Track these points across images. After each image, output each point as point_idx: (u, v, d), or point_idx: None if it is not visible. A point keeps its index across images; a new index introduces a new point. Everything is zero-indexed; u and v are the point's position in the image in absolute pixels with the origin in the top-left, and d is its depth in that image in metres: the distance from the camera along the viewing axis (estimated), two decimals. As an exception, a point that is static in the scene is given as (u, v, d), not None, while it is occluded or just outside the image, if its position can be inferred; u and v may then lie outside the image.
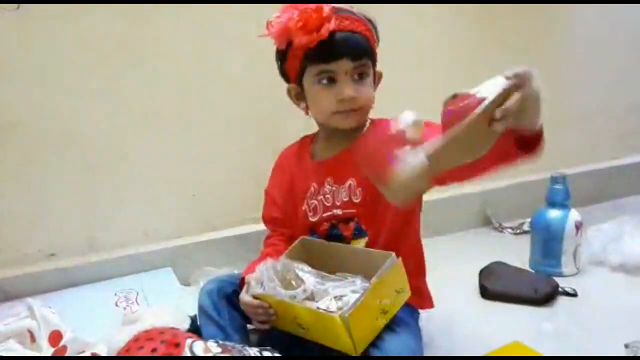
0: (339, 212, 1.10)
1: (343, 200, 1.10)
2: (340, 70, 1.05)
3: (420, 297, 1.14)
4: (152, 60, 1.35)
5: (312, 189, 1.13)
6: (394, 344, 0.97)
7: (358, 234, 1.09)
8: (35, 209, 1.33)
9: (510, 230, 1.66)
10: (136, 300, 1.30)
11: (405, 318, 1.05)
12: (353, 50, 1.04)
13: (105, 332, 1.10)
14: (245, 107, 1.43)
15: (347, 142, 1.11)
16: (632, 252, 1.41)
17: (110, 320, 1.17)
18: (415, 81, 1.48)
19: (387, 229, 1.08)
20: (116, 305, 1.29)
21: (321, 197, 1.12)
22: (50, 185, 1.33)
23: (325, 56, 1.04)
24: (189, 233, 1.45)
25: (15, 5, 1.22)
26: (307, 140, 1.19)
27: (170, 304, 1.23)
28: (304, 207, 1.14)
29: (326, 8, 1.03)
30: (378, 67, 1.11)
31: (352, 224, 1.10)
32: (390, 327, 1.01)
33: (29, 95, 1.28)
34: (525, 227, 1.63)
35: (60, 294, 1.32)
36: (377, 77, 1.12)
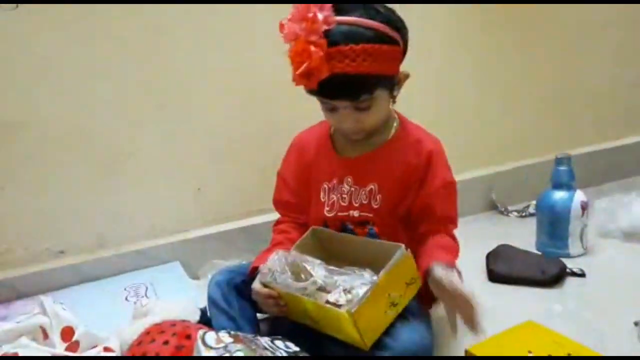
0: (355, 214, 1.09)
1: (362, 202, 1.09)
2: (340, 105, 1.03)
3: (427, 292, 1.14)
4: (156, 56, 1.35)
5: (332, 183, 1.12)
6: (407, 333, 0.98)
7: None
8: (43, 208, 1.33)
9: (515, 213, 1.66)
10: (146, 295, 1.31)
11: (418, 307, 1.06)
12: (349, 94, 1.00)
13: (117, 326, 1.12)
14: (249, 100, 1.43)
15: (373, 145, 1.10)
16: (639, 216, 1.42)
17: (121, 315, 1.19)
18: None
19: (401, 239, 1.04)
20: (126, 300, 1.30)
21: (339, 194, 1.11)
22: (58, 183, 1.33)
23: (322, 95, 1.02)
24: (195, 227, 1.45)
25: (13, 5, 1.22)
26: (327, 127, 1.16)
27: (180, 297, 1.24)
28: (323, 198, 1.13)
29: (319, 51, 0.94)
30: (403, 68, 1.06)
31: (367, 228, 1.09)
32: (403, 315, 1.01)
33: (35, 94, 1.28)
34: (531, 210, 1.63)
35: (71, 290, 1.33)
36: (400, 81, 1.06)
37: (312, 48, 0.95)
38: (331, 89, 0.99)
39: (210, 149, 1.44)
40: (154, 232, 1.43)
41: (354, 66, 0.96)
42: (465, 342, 1.08)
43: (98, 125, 1.35)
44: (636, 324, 1.07)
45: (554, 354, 0.99)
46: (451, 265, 1.02)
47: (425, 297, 1.12)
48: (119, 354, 1.03)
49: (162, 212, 1.43)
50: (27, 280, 1.32)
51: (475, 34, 1.61)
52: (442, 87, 1.59)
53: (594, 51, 1.74)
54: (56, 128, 1.31)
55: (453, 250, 1.09)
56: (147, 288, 1.33)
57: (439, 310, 1.17)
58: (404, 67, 1.07)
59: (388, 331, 0.98)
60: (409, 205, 1.10)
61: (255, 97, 1.43)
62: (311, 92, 1.01)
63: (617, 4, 1.69)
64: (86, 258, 1.38)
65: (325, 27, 0.96)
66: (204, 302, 1.14)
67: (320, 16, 0.95)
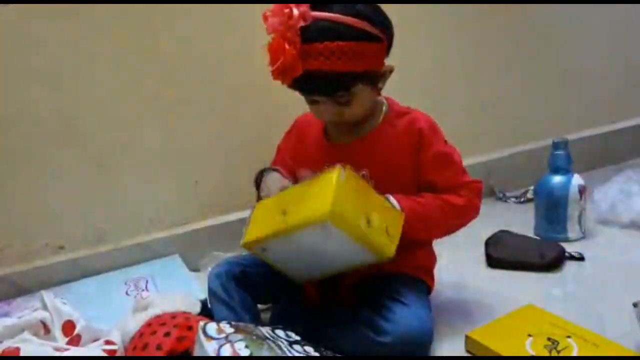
0: None
1: None
2: (319, 99, 1.03)
3: (430, 278, 1.16)
4: (150, 49, 1.34)
5: (322, 169, 1.12)
6: (407, 318, 0.99)
7: None
8: (41, 203, 1.33)
9: (514, 199, 1.66)
10: (146, 288, 1.31)
11: (415, 291, 1.07)
12: (324, 90, 1.01)
13: (118, 320, 1.12)
14: (247, 92, 1.43)
15: (362, 131, 1.10)
16: (640, 210, 1.42)
17: (122, 308, 1.19)
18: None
19: None
20: (127, 293, 1.30)
21: None
22: (56, 178, 1.33)
23: (299, 90, 1.03)
24: (194, 219, 1.45)
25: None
26: None
27: (181, 289, 1.24)
28: None
29: (293, 49, 0.95)
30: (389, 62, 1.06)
31: None
32: (400, 300, 1.02)
33: (32, 89, 1.27)
34: (529, 195, 1.63)
35: (71, 285, 1.33)
36: (384, 74, 1.06)
37: (287, 45, 0.95)
38: (306, 85, 1.00)
39: (207, 141, 1.44)
40: (153, 226, 1.43)
41: (328, 64, 0.95)
42: (465, 327, 1.10)
43: (95, 120, 1.34)
44: (635, 305, 1.07)
45: (554, 337, 1.00)
46: (407, 203, 1.02)
47: (424, 283, 1.13)
48: (121, 347, 1.03)
49: (161, 205, 1.43)
50: (27, 276, 1.32)
51: (467, 20, 1.61)
52: (436, 75, 1.59)
53: (586, 35, 1.74)
54: (53, 123, 1.31)
55: (433, 200, 1.06)
56: (147, 281, 1.33)
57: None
58: (393, 59, 1.06)
59: (388, 317, 0.99)
60: (410, 185, 1.09)
61: (252, 89, 1.43)
62: (291, 86, 1.02)
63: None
64: (86, 253, 1.37)
65: (302, 23, 0.95)
66: (204, 294, 1.14)
67: (296, 12, 0.95)
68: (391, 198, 1.02)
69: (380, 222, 0.96)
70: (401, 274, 1.08)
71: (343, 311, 1.06)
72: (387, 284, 1.06)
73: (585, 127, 1.76)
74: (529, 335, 1.01)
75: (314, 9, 0.97)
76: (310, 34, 0.95)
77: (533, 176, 1.53)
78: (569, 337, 1.00)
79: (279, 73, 0.98)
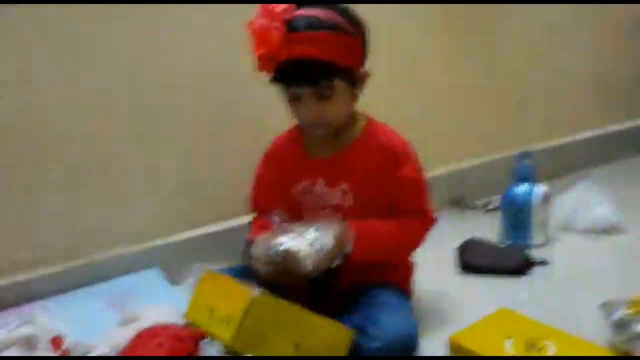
0: (329, 214, 1.12)
1: (335, 203, 1.13)
2: (301, 92, 1.06)
3: (410, 285, 1.21)
4: (129, 64, 1.35)
5: (304, 184, 1.15)
6: (393, 322, 1.03)
7: None
8: (19, 217, 1.31)
9: (480, 208, 1.73)
10: (127, 302, 1.30)
11: (399, 299, 1.12)
12: (307, 78, 1.04)
13: (103, 335, 1.12)
14: (224, 104, 1.45)
15: (341, 144, 1.14)
16: (599, 217, 1.52)
17: (104, 324, 1.19)
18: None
19: None
20: (107, 308, 1.29)
21: (312, 195, 1.15)
22: (33, 191, 1.32)
23: (284, 80, 1.07)
24: (173, 232, 1.46)
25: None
26: (298, 132, 1.19)
27: (163, 302, 1.24)
28: (294, 201, 1.16)
29: (278, 32, 1.00)
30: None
31: None
32: (386, 307, 1.06)
33: (8, 100, 1.26)
34: (494, 204, 1.70)
35: (50, 301, 1.31)
36: (361, 79, 1.10)
37: (273, 32, 1.00)
38: (290, 73, 1.04)
39: (187, 153, 1.45)
40: (132, 239, 1.42)
41: (312, 50, 1.01)
42: (444, 330, 1.15)
43: (72, 131, 1.34)
44: (602, 306, 1.15)
45: (532, 338, 1.05)
46: (359, 229, 1.06)
47: (406, 290, 1.18)
48: None
49: (139, 218, 1.43)
50: (3, 292, 1.30)
51: (440, 34, 1.67)
52: (407, 86, 1.64)
53: (549, 52, 1.83)
54: (27, 134, 1.30)
55: (389, 226, 1.11)
56: (128, 295, 1.32)
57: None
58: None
59: (375, 321, 1.03)
60: (381, 203, 1.14)
61: (230, 101, 1.45)
62: (274, 79, 1.06)
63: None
64: (63, 267, 1.36)
65: (285, 16, 1.02)
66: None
67: (281, 7, 1.02)
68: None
69: (223, 311, 0.99)
70: (385, 282, 1.13)
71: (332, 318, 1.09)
72: (372, 292, 1.10)
73: (546, 139, 1.86)
74: (508, 337, 1.06)
75: (296, 7, 1.03)
76: (294, 24, 1.02)
77: (499, 185, 1.60)
78: (545, 338, 1.05)
79: (265, 59, 1.02)
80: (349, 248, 1.05)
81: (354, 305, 1.09)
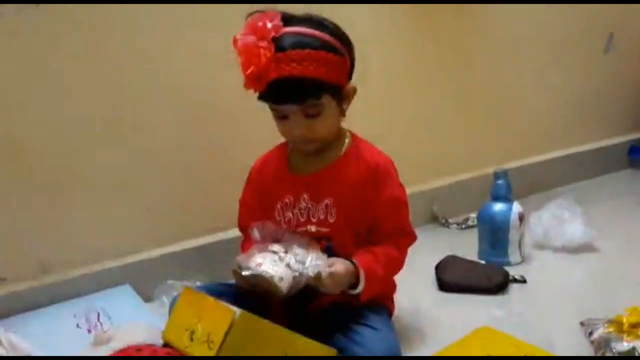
0: (313, 228, 1.11)
1: (319, 218, 1.11)
2: (289, 111, 1.06)
3: (392, 303, 1.21)
4: (103, 72, 1.32)
5: (287, 200, 1.14)
6: (377, 342, 1.02)
7: (329, 254, 1.08)
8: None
9: (456, 225, 1.74)
10: (98, 320, 1.26)
11: (381, 316, 1.11)
12: (295, 96, 1.04)
13: (72, 354, 1.07)
14: (200, 119, 1.42)
15: (326, 161, 1.13)
16: (572, 235, 1.53)
17: (74, 342, 1.15)
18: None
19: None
20: (77, 327, 1.25)
21: (296, 211, 1.13)
22: (1, 205, 1.27)
23: (271, 99, 1.06)
24: (145, 248, 1.42)
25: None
26: (284, 149, 1.19)
27: (138, 320, 1.20)
28: (278, 217, 1.14)
29: (266, 52, 1.00)
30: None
31: (323, 243, 1.11)
32: (369, 325, 1.05)
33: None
34: (470, 222, 1.71)
35: (16, 319, 1.26)
36: (348, 94, 1.11)
37: (261, 51, 1.00)
38: (278, 92, 1.03)
39: (157, 168, 1.41)
40: (102, 255, 1.38)
41: (299, 69, 1.01)
42: (425, 348, 1.14)
43: (41, 144, 1.29)
44: (582, 324, 1.15)
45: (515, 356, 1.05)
46: (364, 265, 1.07)
47: (387, 307, 1.17)
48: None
49: (111, 234, 1.39)
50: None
51: (415, 52, 1.68)
52: (383, 103, 1.64)
53: (523, 73, 1.87)
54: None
55: (384, 257, 1.11)
56: (99, 313, 1.28)
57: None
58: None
59: (358, 341, 1.02)
60: (364, 219, 1.13)
61: (206, 116, 1.43)
62: (261, 97, 1.06)
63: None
64: (30, 284, 1.30)
65: (273, 34, 1.01)
66: (164, 325, 1.12)
67: (269, 25, 1.02)
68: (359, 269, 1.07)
69: (203, 332, 0.96)
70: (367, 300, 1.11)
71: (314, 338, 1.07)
72: (354, 310, 1.09)
73: (519, 157, 1.88)
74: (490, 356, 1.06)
75: (285, 25, 1.04)
76: (282, 43, 1.02)
77: (473, 203, 1.61)
78: (526, 355, 1.05)
79: (253, 79, 1.02)
80: (359, 288, 1.06)
81: (336, 324, 1.07)
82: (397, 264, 1.16)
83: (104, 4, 1.28)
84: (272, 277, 0.99)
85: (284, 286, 1.00)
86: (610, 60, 2.02)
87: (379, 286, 1.11)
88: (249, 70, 1.01)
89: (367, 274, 1.06)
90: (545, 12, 1.85)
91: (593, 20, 1.95)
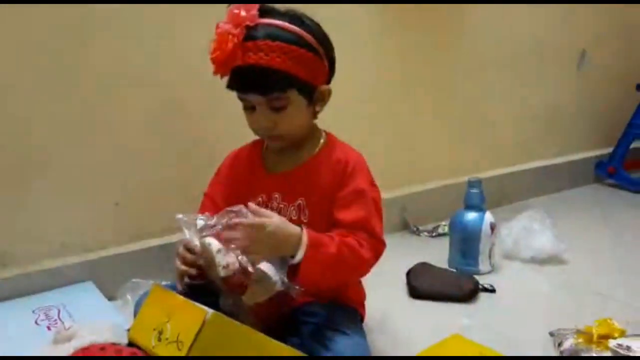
0: None
1: (292, 218, 1.08)
2: (254, 101, 1.05)
3: (363, 308, 1.18)
4: (72, 65, 1.28)
5: (259, 199, 1.11)
6: (348, 346, 1.00)
7: None
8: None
9: (426, 233, 1.74)
10: (59, 317, 1.22)
11: (353, 321, 1.08)
12: (260, 87, 1.02)
13: (30, 352, 1.03)
14: (170, 113, 1.39)
15: (299, 160, 1.11)
16: (542, 247, 1.55)
17: (32, 339, 1.11)
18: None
19: None
20: (36, 323, 1.20)
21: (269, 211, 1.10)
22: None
23: (236, 87, 1.05)
24: (111, 244, 1.38)
25: None
26: (259, 146, 1.16)
27: (100, 319, 1.16)
28: None
29: (234, 38, 0.99)
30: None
31: None
32: (340, 330, 1.03)
33: None
34: (440, 230, 1.72)
35: (-30, 314, 1.21)
36: (322, 95, 1.08)
37: (229, 37, 1.00)
38: (243, 80, 1.03)
39: (127, 162, 1.38)
40: (65, 250, 1.34)
41: (266, 60, 1.00)
42: (398, 355, 1.12)
43: (4, 134, 1.24)
44: (552, 334, 1.16)
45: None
46: (312, 233, 1.00)
47: (358, 313, 1.15)
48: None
49: (76, 228, 1.34)
50: None
51: (392, 60, 1.68)
52: (358, 110, 1.64)
53: (498, 87, 1.89)
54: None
55: (341, 242, 1.01)
56: (59, 310, 1.24)
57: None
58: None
59: (330, 347, 1.00)
60: None
61: (176, 111, 1.40)
62: (229, 86, 1.05)
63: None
64: (-12, 277, 1.26)
65: (247, 23, 1.01)
66: (129, 323, 1.08)
67: (243, 13, 1.01)
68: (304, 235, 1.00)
69: (172, 332, 0.92)
70: (338, 304, 1.09)
71: (283, 342, 1.04)
72: (325, 315, 1.06)
73: (490, 168, 1.89)
74: (461, 363, 1.05)
75: (262, 16, 1.03)
76: (254, 32, 1.01)
77: (443, 212, 1.61)
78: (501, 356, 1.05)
79: (220, 63, 1.01)
80: (299, 255, 0.98)
81: (306, 326, 1.05)
82: (358, 258, 1.03)
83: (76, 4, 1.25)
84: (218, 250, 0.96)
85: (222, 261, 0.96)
86: (582, 77, 2.06)
87: (330, 271, 1.01)
88: (214, 55, 1.01)
89: (313, 243, 0.98)
90: (520, 28, 1.87)
91: (567, 37, 1.99)
